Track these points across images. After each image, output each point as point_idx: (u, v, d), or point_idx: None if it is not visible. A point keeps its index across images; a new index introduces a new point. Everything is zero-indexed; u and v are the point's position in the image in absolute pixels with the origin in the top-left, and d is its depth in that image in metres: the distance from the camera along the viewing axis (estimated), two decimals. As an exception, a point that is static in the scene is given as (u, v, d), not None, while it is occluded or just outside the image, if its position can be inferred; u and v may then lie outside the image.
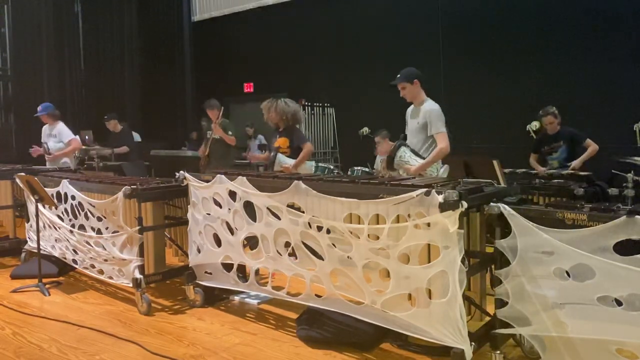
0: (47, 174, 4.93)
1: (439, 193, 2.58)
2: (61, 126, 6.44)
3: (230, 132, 6.12)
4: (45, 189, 4.39)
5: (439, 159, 4.02)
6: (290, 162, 4.59)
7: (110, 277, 4.09)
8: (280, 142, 4.77)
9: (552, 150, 5.47)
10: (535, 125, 6.76)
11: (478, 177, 3.55)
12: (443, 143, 3.97)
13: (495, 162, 3.60)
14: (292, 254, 3.25)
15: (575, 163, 5.30)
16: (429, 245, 2.68)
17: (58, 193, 4.45)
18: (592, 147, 5.27)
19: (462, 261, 2.56)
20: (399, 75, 4.14)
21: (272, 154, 4.71)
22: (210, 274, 3.82)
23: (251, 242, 3.54)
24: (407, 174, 3.94)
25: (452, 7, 7.79)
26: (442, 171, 3.95)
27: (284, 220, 3.23)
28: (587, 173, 4.96)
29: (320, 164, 5.68)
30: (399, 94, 4.23)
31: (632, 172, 4.30)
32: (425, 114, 4.04)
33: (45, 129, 6.53)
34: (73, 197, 4.30)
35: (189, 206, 3.88)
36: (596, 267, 2.31)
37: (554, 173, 5.21)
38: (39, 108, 6.54)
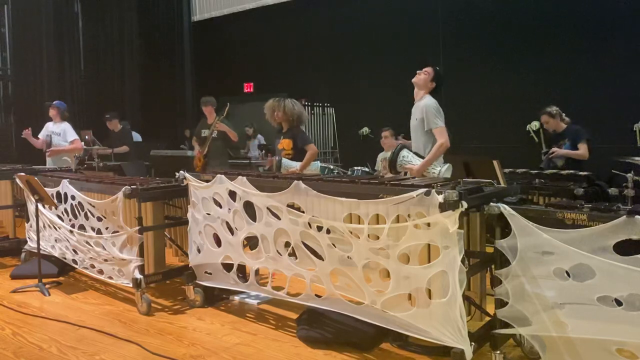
0: (47, 174, 4.93)
1: (439, 193, 2.58)
2: (67, 126, 6.47)
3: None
4: (45, 189, 4.39)
5: (439, 155, 3.99)
6: (295, 165, 4.58)
7: (110, 277, 4.09)
8: (284, 143, 4.75)
9: (558, 147, 5.45)
10: (535, 125, 6.76)
11: (478, 177, 3.55)
12: (442, 138, 3.95)
13: (495, 162, 3.59)
14: (292, 254, 3.24)
15: (558, 150, 5.28)
16: (429, 245, 2.68)
17: (58, 193, 4.45)
18: (580, 152, 5.23)
19: (462, 261, 2.56)
20: (438, 68, 4.19)
21: (277, 157, 4.69)
22: (210, 274, 3.82)
23: (251, 242, 3.54)
24: (410, 174, 3.94)
25: (452, 7, 7.79)
26: (445, 170, 3.93)
27: (284, 220, 3.23)
28: (587, 173, 4.95)
29: (320, 164, 5.66)
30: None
31: (632, 172, 4.29)
32: (422, 109, 4.04)
33: (48, 125, 6.54)
34: (73, 197, 4.30)
35: (189, 206, 3.88)
36: (596, 267, 2.31)
37: (554, 172, 5.19)
38: (55, 102, 6.63)
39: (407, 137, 4.44)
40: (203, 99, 6.42)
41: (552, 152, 5.31)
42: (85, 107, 10.80)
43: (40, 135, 6.49)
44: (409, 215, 2.71)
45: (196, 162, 6.30)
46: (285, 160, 4.61)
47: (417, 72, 4.16)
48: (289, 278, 3.29)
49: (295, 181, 3.16)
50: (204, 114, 6.41)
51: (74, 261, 4.46)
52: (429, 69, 4.13)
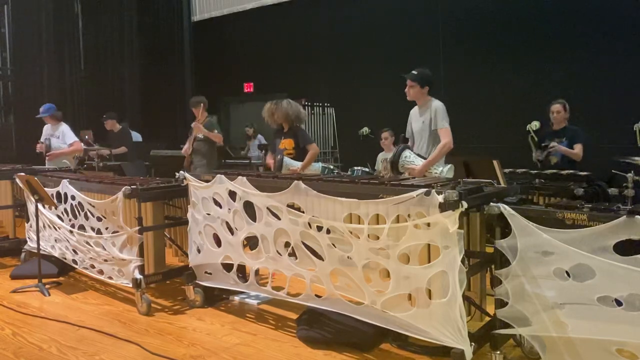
0: (47, 174, 4.93)
1: (439, 193, 2.58)
2: (65, 127, 6.45)
3: (216, 130, 5.99)
4: (45, 189, 4.39)
5: (443, 155, 4.04)
6: (297, 164, 4.58)
7: (110, 277, 4.09)
8: (286, 143, 4.76)
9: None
10: (535, 125, 6.75)
11: (478, 177, 3.55)
12: (446, 138, 4.02)
13: (495, 162, 3.60)
14: (292, 254, 3.25)
15: (558, 146, 5.28)
16: (429, 245, 2.68)
17: (58, 193, 4.45)
18: (576, 151, 5.23)
19: (462, 261, 2.56)
20: (415, 73, 4.16)
21: (278, 156, 4.69)
22: (210, 274, 3.82)
23: (251, 242, 3.54)
24: (412, 174, 3.94)
25: (452, 7, 7.79)
26: (447, 170, 3.95)
27: (284, 220, 3.23)
28: (587, 173, 4.94)
29: (320, 164, 5.65)
30: (399, 94, 4.23)
31: (632, 172, 4.29)
32: (432, 111, 4.09)
33: (47, 128, 6.53)
34: (73, 197, 4.30)
35: (189, 206, 3.88)
36: (596, 267, 2.31)
37: (554, 172, 5.19)
38: (40, 109, 6.52)
39: (407, 137, 4.45)
40: (191, 100, 6.34)
41: (552, 146, 5.31)
42: (85, 107, 10.80)
43: (42, 139, 6.47)
44: (409, 215, 2.71)
45: (185, 161, 6.27)
46: (287, 160, 4.62)
47: (405, 91, 4.18)
48: (289, 278, 3.29)
49: (295, 181, 3.16)
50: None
51: (74, 261, 4.46)
52: (409, 82, 4.15)
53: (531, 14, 7.10)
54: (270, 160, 5.14)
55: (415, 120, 4.27)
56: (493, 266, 2.73)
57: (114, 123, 7.96)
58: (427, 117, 4.10)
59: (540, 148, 5.54)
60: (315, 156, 4.75)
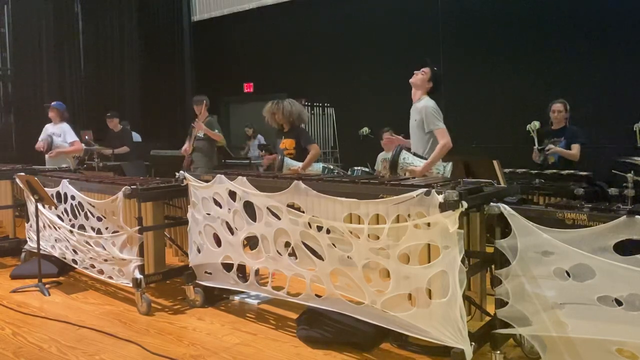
0: (47, 174, 4.93)
1: (439, 193, 2.58)
2: (66, 126, 6.46)
3: (216, 130, 6.00)
4: (45, 189, 4.39)
5: (442, 156, 3.98)
6: (298, 164, 4.58)
7: (110, 277, 4.09)
8: (287, 143, 4.75)
9: (552, 144, 5.47)
10: (535, 125, 6.75)
11: (478, 177, 3.55)
12: (444, 139, 3.92)
13: (495, 162, 3.60)
14: (292, 254, 3.25)
15: (554, 148, 5.29)
16: (429, 245, 2.68)
17: (58, 193, 4.45)
18: (573, 152, 5.24)
19: (462, 261, 2.56)
20: (435, 68, 4.14)
21: (279, 156, 4.69)
22: (210, 274, 3.82)
23: (251, 242, 3.54)
24: (413, 175, 3.93)
25: (452, 7, 7.79)
26: (449, 169, 3.93)
27: (284, 220, 3.23)
28: (587, 173, 4.95)
29: (321, 164, 5.65)
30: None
31: (632, 172, 4.30)
32: (420, 111, 4.02)
33: (47, 127, 6.53)
34: (73, 197, 4.30)
35: (189, 206, 3.88)
36: (596, 267, 2.31)
37: (554, 172, 5.20)
38: (53, 103, 6.58)
39: (407, 137, 4.45)
40: (194, 97, 6.37)
41: (548, 149, 5.33)
42: (85, 107, 10.79)
43: (40, 139, 6.47)
44: (409, 215, 2.71)
45: (184, 160, 6.28)
46: (287, 160, 4.62)
47: (415, 72, 4.15)
48: (289, 278, 3.29)
49: (295, 181, 3.17)
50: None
51: (74, 261, 4.46)
52: (426, 69, 4.11)
53: (531, 14, 7.10)
54: (268, 157, 5.15)
55: (411, 116, 4.24)
56: (493, 266, 2.73)
57: (116, 122, 8.01)
58: (418, 117, 4.05)
59: (538, 149, 5.55)
60: (316, 157, 4.74)
